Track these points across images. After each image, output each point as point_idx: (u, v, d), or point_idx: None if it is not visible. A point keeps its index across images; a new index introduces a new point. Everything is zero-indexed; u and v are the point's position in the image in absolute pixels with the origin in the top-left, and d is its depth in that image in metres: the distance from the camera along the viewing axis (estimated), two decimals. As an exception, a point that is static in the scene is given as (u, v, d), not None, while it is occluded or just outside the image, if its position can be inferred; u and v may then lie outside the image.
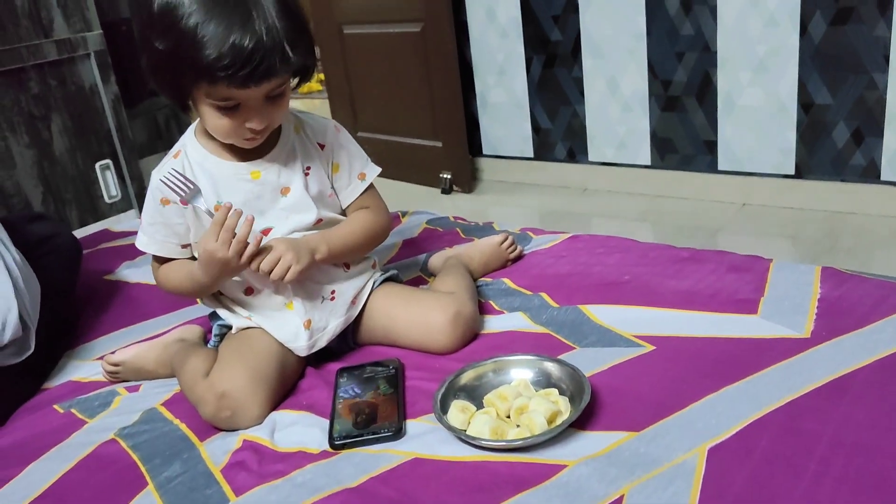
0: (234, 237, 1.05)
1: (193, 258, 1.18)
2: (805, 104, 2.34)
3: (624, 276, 1.31)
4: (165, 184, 1.10)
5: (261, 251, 1.08)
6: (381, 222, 1.24)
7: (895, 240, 2.15)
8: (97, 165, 2.80)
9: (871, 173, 2.30)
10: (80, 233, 2.37)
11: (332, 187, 1.21)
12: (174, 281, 1.18)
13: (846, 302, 1.14)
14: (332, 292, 1.20)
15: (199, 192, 1.10)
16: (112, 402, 1.19)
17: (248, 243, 1.06)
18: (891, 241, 2.15)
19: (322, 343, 1.20)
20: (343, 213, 1.24)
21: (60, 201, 2.71)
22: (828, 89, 2.29)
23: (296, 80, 1.10)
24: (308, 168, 1.18)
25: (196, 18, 0.96)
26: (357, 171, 1.23)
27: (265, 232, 1.15)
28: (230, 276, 1.12)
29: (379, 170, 1.26)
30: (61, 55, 2.63)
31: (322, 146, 1.20)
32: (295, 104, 1.16)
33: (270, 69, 0.99)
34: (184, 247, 1.17)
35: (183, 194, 1.09)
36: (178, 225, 1.14)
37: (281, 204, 1.15)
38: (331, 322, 1.20)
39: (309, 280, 1.17)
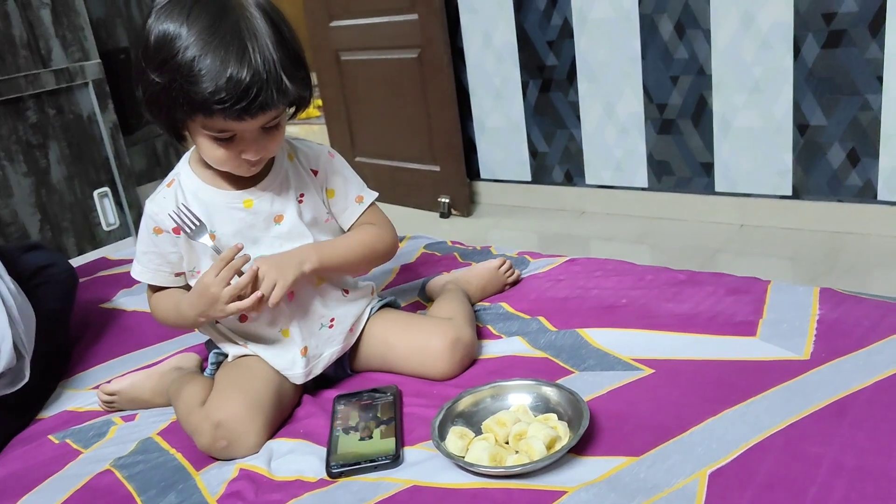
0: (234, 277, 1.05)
1: (188, 287, 1.18)
2: (800, 125, 2.35)
3: (622, 300, 1.31)
4: (173, 218, 1.10)
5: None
6: (385, 237, 1.22)
7: (893, 259, 2.15)
8: (95, 193, 2.81)
9: (867, 193, 2.31)
10: (77, 261, 2.37)
11: (329, 212, 1.21)
12: (162, 310, 1.18)
13: (845, 323, 1.13)
14: (332, 320, 1.19)
15: (205, 228, 1.10)
16: (107, 431, 1.18)
17: (244, 291, 1.05)
18: (889, 261, 2.15)
19: (318, 370, 1.19)
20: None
21: (58, 229, 2.72)
22: (822, 111, 2.30)
23: (292, 110, 1.10)
24: (302, 195, 1.17)
25: (193, 52, 0.96)
26: (353, 195, 1.22)
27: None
28: (213, 317, 1.10)
29: (376, 194, 1.25)
30: (59, 84, 2.65)
31: (315, 172, 1.20)
32: (293, 130, 1.17)
33: (267, 102, 0.99)
34: (177, 275, 1.17)
35: (189, 231, 1.10)
36: (171, 254, 1.14)
37: (274, 232, 1.14)
38: (328, 349, 1.19)
39: (307, 306, 1.16)
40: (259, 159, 1.07)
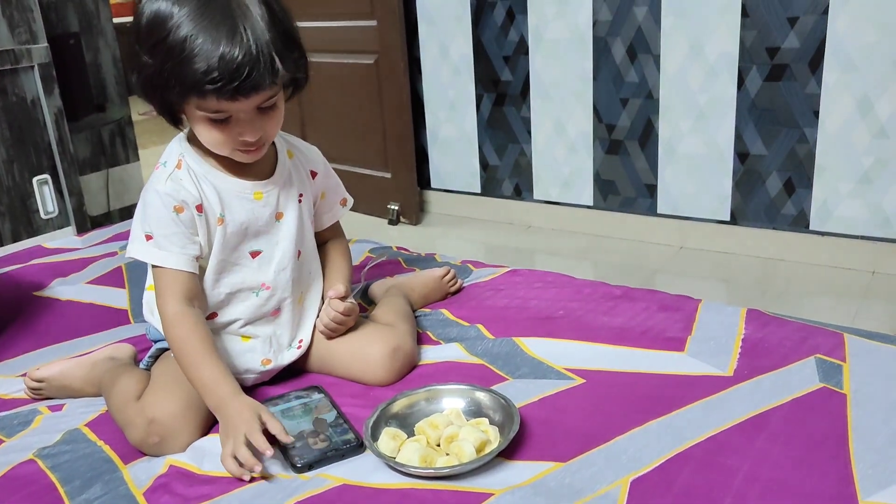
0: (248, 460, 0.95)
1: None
2: (741, 154, 2.44)
3: (559, 311, 1.34)
4: None
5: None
6: (347, 245, 1.32)
7: (821, 287, 2.24)
8: (35, 180, 2.73)
9: (800, 222, 2.40)
10: (13, 248, 2.30)
11: (312, 215, 1.24)
12: (194, 353, 1.04)
13: (768, 343, 1.18)
14: (300, 341, 1.21)
15: None
16: (33, 420, 1.15)
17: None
18: (816, 288, 2.24)
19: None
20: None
21: (-6, 214, 2.64)
22: (762, 141, 2.39)
23: (289, 91, 1.11)
24: (301, 196, 1.19)
25: (184, 32, 0.96)
26: (339, 197, 1.29)
27: (254, 254, 1.14)
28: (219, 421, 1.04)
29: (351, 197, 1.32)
30: (4, 66, 2.58)
31: (314, 175, 1.23)
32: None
33: (259, 82, 0.99)
34: (197, 259, 1.10)
35: None
36: (193, 234, 1.09)
37: (275, 228, 1.16)
38: (286, 362, 1.20)
39: (286, 327, 1.19)
40: (258, 141, 1.06)
